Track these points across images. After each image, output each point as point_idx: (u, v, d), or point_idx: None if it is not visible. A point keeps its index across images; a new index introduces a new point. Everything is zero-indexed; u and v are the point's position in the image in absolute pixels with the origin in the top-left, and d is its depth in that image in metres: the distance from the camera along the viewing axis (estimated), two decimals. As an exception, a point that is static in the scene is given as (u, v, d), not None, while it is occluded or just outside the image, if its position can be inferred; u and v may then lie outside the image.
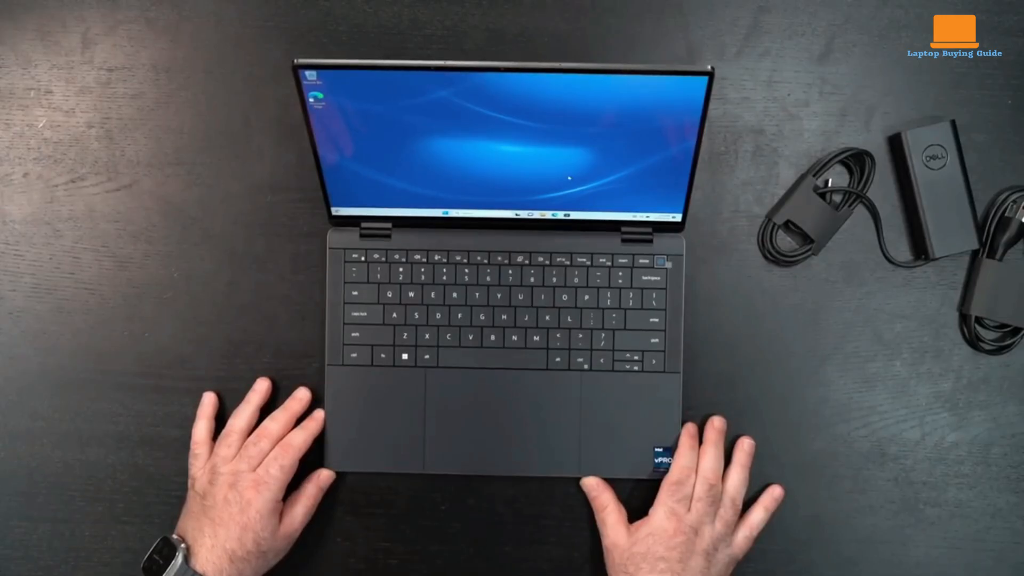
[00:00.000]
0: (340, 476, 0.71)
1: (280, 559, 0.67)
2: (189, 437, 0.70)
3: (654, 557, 0.64)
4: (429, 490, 0.72)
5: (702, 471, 0.68)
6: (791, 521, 0.72)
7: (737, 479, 0.69)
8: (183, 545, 0.63)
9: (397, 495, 0.72)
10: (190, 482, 0.67)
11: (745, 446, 0.70)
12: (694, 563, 0.65)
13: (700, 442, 0.70)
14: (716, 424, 0.70)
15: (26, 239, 0.73)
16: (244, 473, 0.65)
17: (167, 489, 0.72)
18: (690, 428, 0.70)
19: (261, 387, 0.71)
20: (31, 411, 0.72)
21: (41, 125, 0.73)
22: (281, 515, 0.67)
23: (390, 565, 0.72)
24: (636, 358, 0.71)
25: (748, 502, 0.70)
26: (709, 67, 0.60)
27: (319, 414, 0.70)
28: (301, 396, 0.71)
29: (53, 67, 0.73)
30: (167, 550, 0.63)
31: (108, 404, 0.72)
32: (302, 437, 0.68)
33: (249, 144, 0.72)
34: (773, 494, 0.70)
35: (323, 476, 0.70)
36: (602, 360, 0.71)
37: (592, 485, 0.70)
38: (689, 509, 0.66)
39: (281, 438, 0.68)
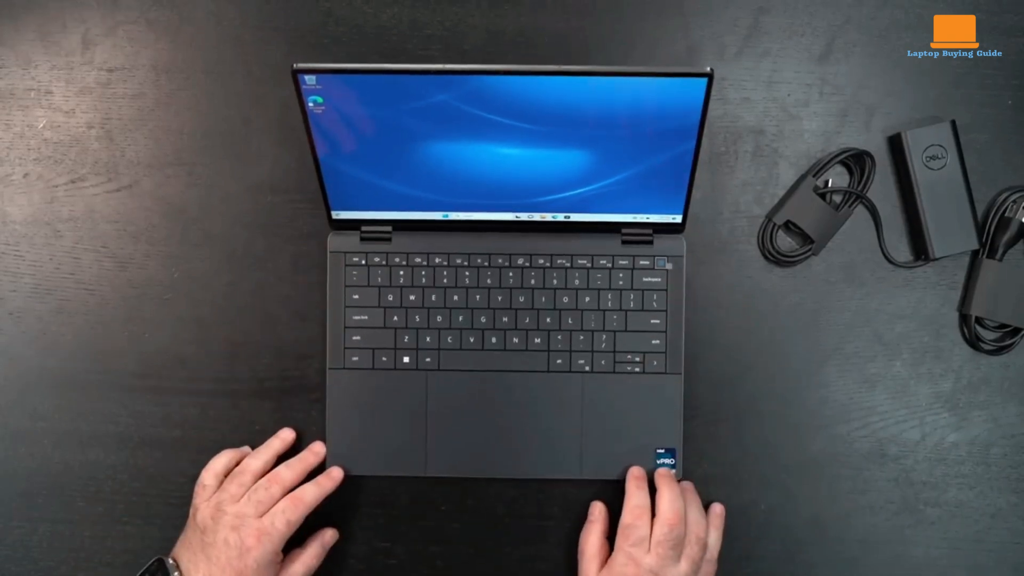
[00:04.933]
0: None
1: None
2: (189, 438, 0.71)
3: None
4: (429, 490, 0.72)
5: (661, 512, 0.66)
6: (791, 521, 0.72)
7: (695, 513, 0.67)
8: (177, 574, 0.63)
9: (397, 495, 0.72)
10: (192, 511, 0.66)
11: (717, 510, 0.70)
12: None
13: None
14: (662, 472, 0.69)
15: (26, 240, 0.73)
16: (249, 519, 0.64)
17: (167, 490, 0.72)
18: (635, 470, 0.69)
19: (287, 436, 0.70)
20: (31, 411, 0.72)
21: (41, 126, 0.73)
22: (280, 567, 0.66)
23: (390, 565, 0.72)
24: (637, 359, 0.71)
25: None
26: (708, 68, 0.60)
27: (336, 473, 0.69)
28: (318, 450, 0.70)
29: (53, 68, 0.73)
30: (161, 574, 0.63)
31: (108, 405, 0.72)
32: (314, 494, 0.66)
33: (249, 145, 0.72)
34: (716, 511, 0.70)
35: (328, 536, 0.70)
36: (603, 362, 0.71)
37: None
38: (648, 551, 0.64)
39: (292, 487, 0.67)
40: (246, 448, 0.70)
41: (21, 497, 0.72)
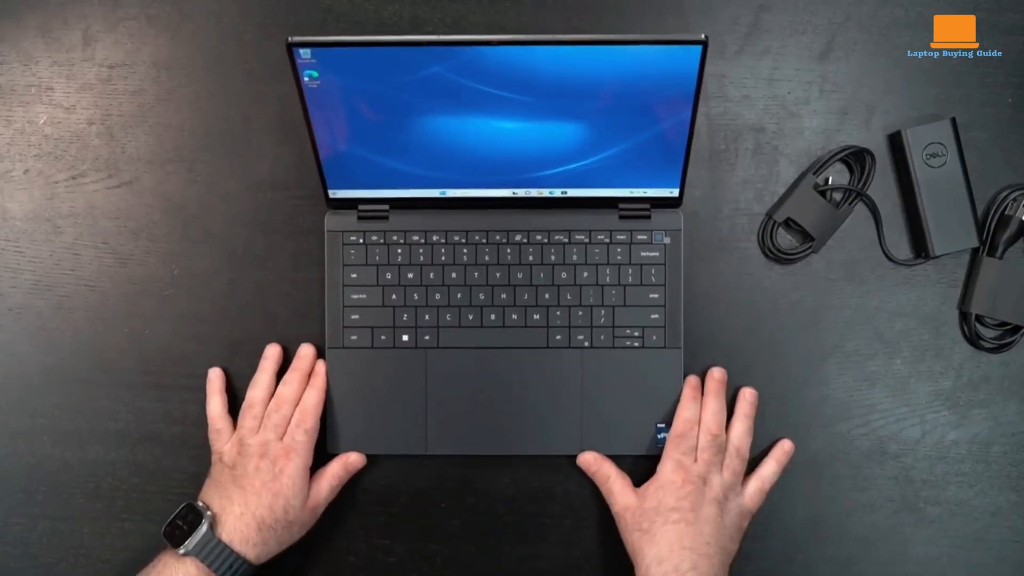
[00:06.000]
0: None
1: (303, 535, 0.67)
2: (189, 434, 0.71)
3: (667, 509, 0.65)
4: (429, 488, 0.72)
5: (704, 422, 0.68)
6: (791, 521, 0.72)
7: (741, 428, 0.69)
8: (209, 513, 0.64)
9: (397, 493, 0.72)
10: (215, 456, 0.68)
11: (747, 396, 0.70)
12: (706, 511, 0.65)
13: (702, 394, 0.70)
14: (716, 375, 0.70)
15: (27, 236, 0.73)
16: (272, 442, 0.66)
17: (167, 486, 0.72)
18: (692, 380, 0.70)
19: (272, 353, 0.71)
20: (31, 408, 0.72)
21: (42, 122, 0.73)
22: (309, 485, 0.67)
23: (390, 563, 0.72)
24: (636, 334, 0.71)
25: (758, 458, 0.70)
26: (703, 36, 0.60)
27: (320, 367, 0.70)
28: (305, 353, 0.71)
29: (54, 64, 0.73)
30: (192, 516, 0.63)
31: (108, 401, 0.72)
32: (315, 397, 0.69)
33: (249, 142, 0.72)
34: (784, 447, 0.70)
35: (352, 458, 0.70)
36: (602, 337, 0.71)
37: (590, 460, 0.70)
38: (695, 460, 0.67)
39: (298, 400, 0.69)
40: (216, 370, 0.71)
41: (21, 494, 0.72)
